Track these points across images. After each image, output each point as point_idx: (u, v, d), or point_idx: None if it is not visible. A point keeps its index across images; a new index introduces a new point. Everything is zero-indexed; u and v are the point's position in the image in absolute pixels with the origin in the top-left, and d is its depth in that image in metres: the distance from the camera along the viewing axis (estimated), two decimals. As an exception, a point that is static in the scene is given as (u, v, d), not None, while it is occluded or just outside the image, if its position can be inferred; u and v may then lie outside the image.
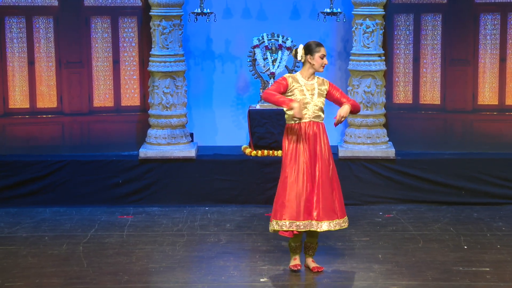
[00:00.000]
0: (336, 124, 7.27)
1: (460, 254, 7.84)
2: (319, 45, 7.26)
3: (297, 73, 7.34)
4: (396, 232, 8.55)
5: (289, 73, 9.44)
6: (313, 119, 7.23)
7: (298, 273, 7.37)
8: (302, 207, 7.20)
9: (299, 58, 7.29)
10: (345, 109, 7.23)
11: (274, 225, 7.28)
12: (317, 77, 7.34)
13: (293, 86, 7.23)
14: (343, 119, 7.24)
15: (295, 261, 7.45)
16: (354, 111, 7.36)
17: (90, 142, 9.81)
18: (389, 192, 9.48)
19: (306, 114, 7.21)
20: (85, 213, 9.23)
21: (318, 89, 7.26)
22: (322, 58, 7.22)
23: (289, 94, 7.22)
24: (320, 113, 7.27)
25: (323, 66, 7.27)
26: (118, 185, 9.49)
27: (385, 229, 8.64)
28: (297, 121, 7.21)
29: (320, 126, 7.27)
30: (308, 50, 7.24)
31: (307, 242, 7.47)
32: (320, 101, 7.26)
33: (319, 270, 7.41)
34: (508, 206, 9.39)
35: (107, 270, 7.46)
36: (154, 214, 9.23)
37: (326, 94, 7.31)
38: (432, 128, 9.80)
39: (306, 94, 7.22)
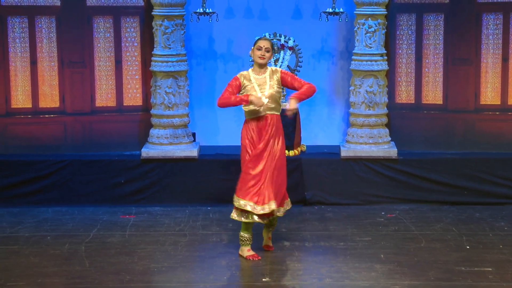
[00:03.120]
0: (290, 117, 7.64)
1: (462, 254, 7.83)
2: (260, 38, 7.79)
3: (249, 70, 7.72)
4: (398, 232, 8.55)
5: (291, 72, 9.42)
6: (268, 112, 7.59)
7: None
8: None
9: (251, 56, 7.76)
10: (291, 104, 7.52)
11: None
12: (270, 69, 7.68)
13: (244, 84, 7.62)
14: (293, 111, 7.56)
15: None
16: (305, 97, 7.59)
17: (92, 142, 9.82)
18: (391, 192, 9.48)
19: (261, 108, 7.56)
20: (87, 213, 9.24)
21: (270, 82, 7.60)
22: (258, 50, 7.59)
23: (242, 92, 7.63)
24: (274, 105, 7.60)
25: (261, 58, 7.59)
26: (120, 185, 9.49)
27: (387, 229, 8.64)
28: (261, 112, 7.54)
29: (275, 118, 7.61)
30: (253, 45, 7.70)
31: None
32: (274, 93, 7.59)
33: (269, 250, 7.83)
34: (511, 206, 9.38)
35: (109, 269, 7.46)
36: (156, 213, 9.23)
37: (280, 83, 7.64)
38: (434, 127, 9.80)
39: (256, 90, 7.58)
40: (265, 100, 7.56)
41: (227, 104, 7.67)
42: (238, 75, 7.70)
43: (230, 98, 7.60)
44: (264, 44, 7.63)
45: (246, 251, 7.72)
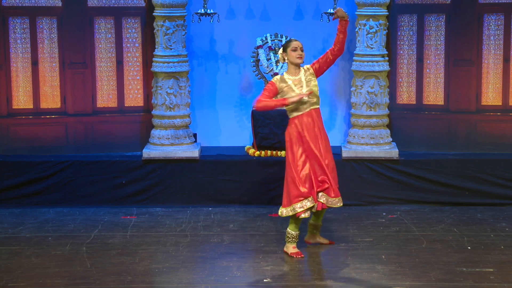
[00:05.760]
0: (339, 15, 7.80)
1: (463, 254, 7.83)
2: (290, 40, 7.82)
3: (284, 73, 7.79)
4: (400, 232, 8.55)
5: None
6: (311, 107, 7.72)
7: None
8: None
9: (281, 60, 7.81)
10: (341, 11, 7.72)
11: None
12: (302, 68, 7.77)
13: (281, 86, 7.69)
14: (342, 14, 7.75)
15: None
16: (344, 33, 7.80)
17: (93, 143, 9.82)
18: (393, 192, 9.48)
19: (304, 105, 7.67)
20: (88, 214, 9.24)
21: (305, 79, 7.71)
22: (294, 51, 7.68)
23: (280, 95, 7.71)
24: (315, 99, 7.72)
25: (299, 57, 7.72)
26: (122, 186, 9.50)
27: (388, 230, 8.64)
28: (305, 103, 7.65)
29: (318, 112, 7.80)
30: (283, 49, 7.77)
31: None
32: (312, 87, 7.73)
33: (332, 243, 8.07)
34: (512, 206, 9.40)
35: (111, 270, 7.46)
36: (157, 214, 9.23)
37: (317, 73, 7.76)
38: (436, 128, 9.80)
39: (295, 90, 7.68)
40: (304, 91, 7.67)
41: (266, 107, 7.71)
42: (273, 80, 7.77)
43: (268, 101, 7.64)
44: (298, 44, 7.75)
45: (291, 248, 7.83)
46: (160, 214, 9.25)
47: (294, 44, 7.73)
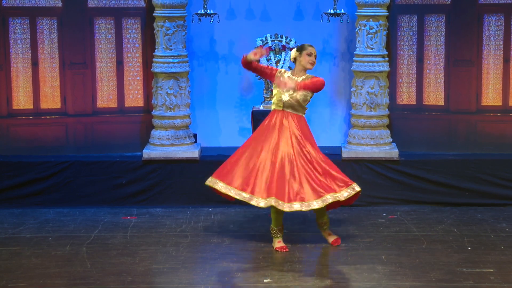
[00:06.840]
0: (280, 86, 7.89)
1: (463, 255, 7.83)
2: (308, 45, 7.94)
3: (290, 71, 8.06)
4: (400, 233, 8.55)
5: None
6: (285, 109, 7.84)
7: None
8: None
9: (291, 59, 8.02)
10: (290, 83, 7.81)
11: None
12: (307, 75, 7.94)
13: (277, 76, 7.90)
14: (284, 86, 7.83)
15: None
16: (308, 87, 7.82)
17: (93, 143, 9.82)
18: (393, 193, 9.48)
19: (279, 103, 7.90)
20: (88, 214, 9.24)
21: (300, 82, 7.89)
22: (309, 56, 7.85)
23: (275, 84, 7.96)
24: (294, 104, 7.83)
25: (311, 63, 7.89)
26: (122, 186, 9.50)
27: (388, 230, 8.64)
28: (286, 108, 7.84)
29: (294, 117, 7.83)
30: (299, 49, 7.93)
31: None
32: (297, 94, 7.84)
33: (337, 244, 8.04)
34: (512, 207, 9.40)
35: (111, 270, 7.47)
36: (157, 215, 9.23)
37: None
38: (436, 129, 9.80)
39: (286, 80, 7.86)
40: (290, 83, 7.81)
41: (247, 59, 7.85)
42: (279, 69, 8.04)
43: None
44: (313, 51, 7.92)
45: (277, 242, 7.98)
46: (160, 214, 9.25)
47: (311, 50, 7.90)
